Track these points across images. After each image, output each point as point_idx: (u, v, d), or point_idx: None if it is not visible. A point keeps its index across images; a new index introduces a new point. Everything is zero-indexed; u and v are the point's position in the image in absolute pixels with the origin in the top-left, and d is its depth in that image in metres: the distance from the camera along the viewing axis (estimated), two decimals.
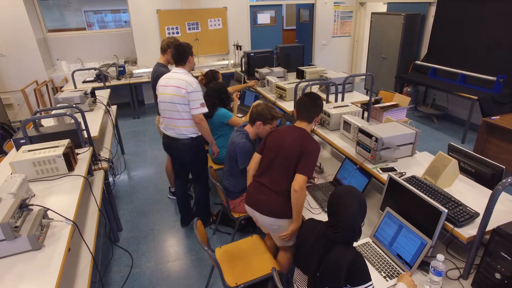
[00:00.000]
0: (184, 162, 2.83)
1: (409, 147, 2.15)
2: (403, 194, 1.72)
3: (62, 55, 6.37)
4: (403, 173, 1.97)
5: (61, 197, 1.80)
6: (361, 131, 2.17)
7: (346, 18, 7.75)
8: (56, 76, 5.95)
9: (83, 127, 2.58)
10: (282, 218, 1.93)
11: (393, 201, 1.81)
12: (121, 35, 6.63)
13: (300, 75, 4.15)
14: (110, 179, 2.86)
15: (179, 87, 2.48)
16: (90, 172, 2.58)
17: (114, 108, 4.25)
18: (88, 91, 3.49)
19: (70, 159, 2.09)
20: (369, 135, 2.08)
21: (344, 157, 2.37)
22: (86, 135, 2.62)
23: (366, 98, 3.69)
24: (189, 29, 6.40)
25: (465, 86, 4.87)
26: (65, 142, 2.15)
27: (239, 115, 3.55)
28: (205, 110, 2.55)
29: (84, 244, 1.91)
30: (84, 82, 5.77)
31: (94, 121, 3.02)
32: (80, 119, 2.52)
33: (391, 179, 1.81)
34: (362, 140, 2.17)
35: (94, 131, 2.77)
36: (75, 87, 4.10)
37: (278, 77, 3.85)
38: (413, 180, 1.86)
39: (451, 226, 1.49)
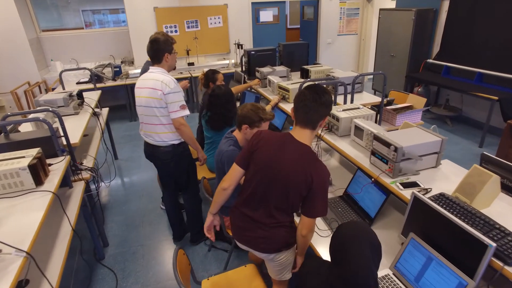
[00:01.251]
0: (168, 172, 2.54)
1: (433, 158, 1.84)
2: (432, 217, 1.40)
3: (56, 56, 6.12)
4: (428, 190, 1.66)
5: (20, 219, 1.51)
6: (377, 138, 1.86)
7: (353, 15, 7.43)
8: (50, 77, 5.69)
9: (61, 133, 2.31)
10: (285, 250, 1.60)
11: (418, 225, 1.50)
12: (118, 34, 6.37)
13: (305, 74, 3.84)
14: (97, 187, 2.57)
15: (154, 89, 2.19)
16: (68, 183, 2.30)
17: (105, 111, 3.97)
18: (74, 93, 3.21)
19: (38, 172, 1.80)
20: (387, 144, 1.77)
21: (356, 168, 2.05)
22: (65, 142, 2.34)
23: (377, 99, 3.37)
24: (188, 27, 6.12)
25: (482, 85, 4.53)
26: (34, 151, 1.87)
27: None
28: (186, 112, 2.25)
29: (50, 273, 1.62)
30: (78, 83, 5.53)
31: (78, 126, 2.74)
32: (59, 125, 2.25)
33: (415, 199, 1.50)
34: (378, 149, 1.86)
35: (75, 137, 2.48)
36: (64, 88, 3.83)
37: (281, 77, 3.55)
38: (442, 199, 1.55)
39: (500, 263, 1.18)
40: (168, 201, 2.69)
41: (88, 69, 3.93)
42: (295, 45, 4.42)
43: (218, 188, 1.63)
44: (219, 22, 6.29)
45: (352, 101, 3.01)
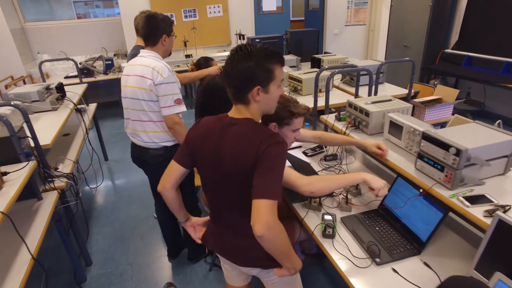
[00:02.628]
0: (159, 180, 2.11)
1: (501, 162, 1.41)
2: None
3: (44, 48, 5.67)
4: (506, 207, 1.23)
5: None
6: (428, 138, 1.43)
7: (361, 4, 6.96)
8: (36, 71, 5.24)
9: (28, 133, 1.88)
10: (270, 268, 1.24)
11: (505, 261, 1.07)
12: (110, 25, 5.92)
13: (316, 64, 3.40)
14: (77, 196, 2.14)
15: (143, 77, 1.76)
16: (36, 195, 1.87)
17: (92, 106, 3.54)
18: (53, 86, 2.77)
19: None
20: (444, 146, 1.34)
21: (396, 175, 1.63)
22: (32, 144, 1.91)
23: (401, 91, 2.94)
24: (186, 16, 5.66)
25: (511, 76, 4.09)
26: None
27: None
28: (182, 109, 1.83)
29: None
30: (67, 77, 5.08)
31: (53, 125, 2.30)
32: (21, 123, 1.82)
33: (501, 223, 1.07)
34: (429, 152, 1.43)
35: (47, 138, 2.05)
36: (44, 81, 3.40)
37: (290, 67, 3.11)
38: None
39: None
40: (161, 212, 2.27)
41: (71, 59, 3.48)
42: (304, 33, 3.99)
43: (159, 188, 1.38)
44: (219, 11, 5.83)
45: (376, 93, 2.58)
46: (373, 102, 1.98)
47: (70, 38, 5.80)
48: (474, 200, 1.28)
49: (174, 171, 1.29)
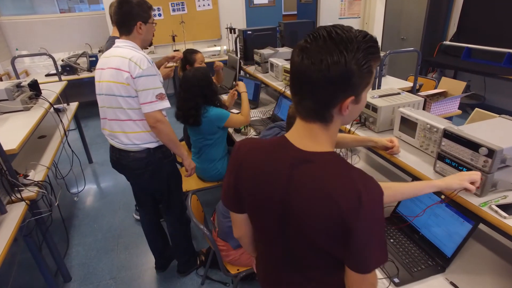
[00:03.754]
0: (141, 187, 1.89)
1: None
2: None
3: (22, 45, 5.35)
4: None
5: None
6: (450, 136, 1.23)
7: None
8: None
9: None
10: None
11: None
12: (94, 20, 5.62)
13: None
14: (49, 207, 1.90)
15: (119, 70, 1.53)
16: None
17: (73, 106, 3.29)
18: (25, 83, 2.51)
19: None
20: (473, 145, 1.14)
21: (411, 179, 1.43)
22: None
23: (405, 84, 2.75)
24: (173, 10, 5.39)
25: None
26: None
27: (235, 111, 2.60)
28: (165, 105, 1.60)
29: None
30: (47, 75, 4.78)
31: (22, 126, 2.05)
32: None
33: None
34: (452, 153, 1.23)
35: (13, 142, 1.80)
36: (18, 78, 3.12)
37: (285, 60, 2.90)
38: None
39: None
40: (146, 223, 2.04)
41: (49, 55, 3.21)
42: (298, 24, 3.77)
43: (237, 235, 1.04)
44: (208, 5, 5.58)
45: (379, 86, 2.39)
46: (380, 96, 1.78)
47: (52, 34, 5.50)
48: (510, 208, 1.09)
49: (237, 217, 0.96)
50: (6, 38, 5.23)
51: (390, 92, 1.83)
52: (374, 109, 1.70)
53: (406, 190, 1.09)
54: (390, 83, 2.75)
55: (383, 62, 2.40)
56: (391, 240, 1.33)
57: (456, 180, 1.08)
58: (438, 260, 1.21)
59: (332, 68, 0.64)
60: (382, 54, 2.74)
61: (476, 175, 1.08)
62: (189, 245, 2.11)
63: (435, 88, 3.34)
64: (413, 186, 1.10)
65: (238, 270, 1.64)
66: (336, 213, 0.67)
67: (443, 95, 2.83)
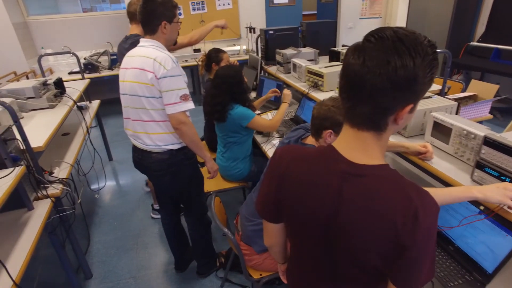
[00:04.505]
0: (162, 188, 1.87)
1: None
2: None
3: (47, 43, 5.48)
4: None
5: None
6: (492, 144, 1.16)
7: None
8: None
9: (17, 136, 1.66)
10: None
11: None
12: (115, 19, 5.71)
13: (335, 57, 3.12)
14: (73, 204, 1.92)
15: (143, 70, 1.51)
16: (25, 204, 1.65)
17: (95, 103, 3.33)
18: (51, 81, 2.56)
19: None
20: None
21: (444, 187, 1.36)
22: (23, 146, 1.69)
23: (432, 87, 2.65)
24: (194, 9, 5.42)
25: None
26: None
27: (258, 112, 2.57)
28: (189, 106, 1.57)
29: None
30: (70, 73, 4.88)
31: (48, 124, 2.08)
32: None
33: None
34: (493, 161, 1.16)
35: (39, 139, 1.83)
36: (43, 76, 3.18)
37: (308, 60, 2.85)
38: None
39: None
40: (166, 223, 2.03)
41: (73, 53, 3.26)
42: (321, 24, 3.70)
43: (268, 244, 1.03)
44: (228, 4, 5.58)
45: None
46: None
47: (75, 33, 5.61)
48: None
49: (271, 227, 0.93)
50: (33, 37, 5.36)
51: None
52: None
53: (443, 198, 1.03)
54: None
55: None
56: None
57: (497, 195, 1.00)
58: (476, 276, 1.14)
59: (400, 71, 0.59)
60: None
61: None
62: (209, 247, 2.09)
63: (462, 91, 3.22)
64: (447, 193, 1.04)
65: (261, 275, 1.61)
66: (391, 232, 0.64)
67: (472, 98, 2.71)
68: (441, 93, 2.46)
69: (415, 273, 0.67)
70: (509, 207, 1.01)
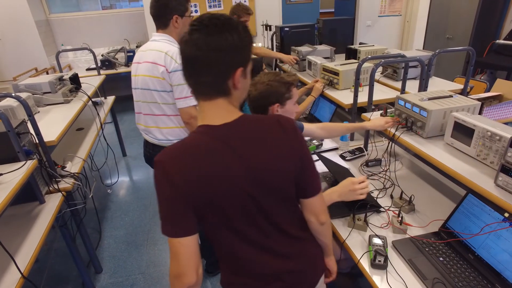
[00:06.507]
0: None
1: None
2: None
3: (67, 40, 5.61)
4: None
5: None
6: None
7: None
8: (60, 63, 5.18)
9: (30, 129, 1.68)
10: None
11: None
12: (133, 16, 5.78)
13: (352, 55, 3.04)
14: (84, 199, 1.94)
15: (155, 64, 1.51)
16: (38, 197, 1.67)
17: (110, 99, 3.37)
18: (67, 77, 2.59)
19: None
20: None
21: (466, 191, 1.28)
22: (36, 140, 1.71)
23: (453, 86, 2.54)
24: (210, 6, 5.41)
25: None
26: None
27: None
28: None
29: None
30: (88, 69, 4.98)
31: (63, 118, 2.11)
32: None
33: None
34: None
35: (53, 134, 1.85)
36: (61, 72, 3.24)
37: (324, 58, 2.78)
38: None
39: None
40: None
41: (90, 50, 3.31)
42: (338, 21, 3.63)
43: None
44: (245, 1, 5.55)
45: (426, 88, 2.21)
46: (430, 99, 1.63)
47: (93, 30, 5.72)
48: None
49: (183, 250, 0.85)
50: (54, 34, 5.49)
51: (441, 95, 1.67)
52: (423, 112, 1.55)
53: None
54: (437, 84, 2.55)
55: (431, 62, 2.21)
56: (441, 259, 1.19)
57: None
58: (498, 287, 1.06)
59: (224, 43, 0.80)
60: (428, 53, 2.55)
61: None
62: None
63: (486, 90, 3.07)
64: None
65: None
66: (290, 150, 0.86)
67: (497, 98, 2.57)
68: (463, 92, 2.34)
69: (315, 180, 0.93)
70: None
